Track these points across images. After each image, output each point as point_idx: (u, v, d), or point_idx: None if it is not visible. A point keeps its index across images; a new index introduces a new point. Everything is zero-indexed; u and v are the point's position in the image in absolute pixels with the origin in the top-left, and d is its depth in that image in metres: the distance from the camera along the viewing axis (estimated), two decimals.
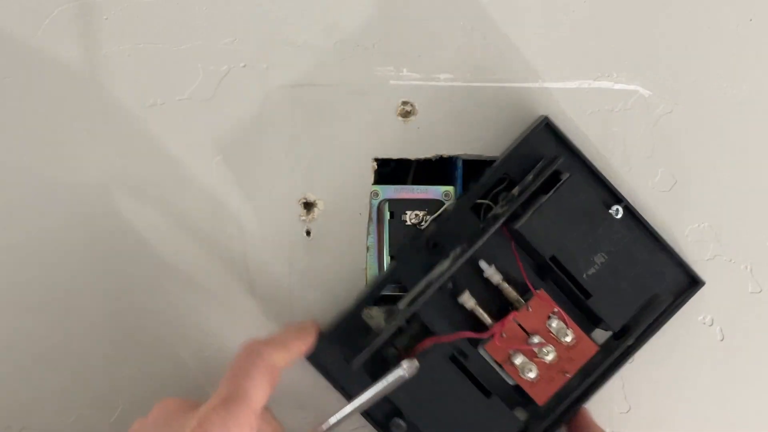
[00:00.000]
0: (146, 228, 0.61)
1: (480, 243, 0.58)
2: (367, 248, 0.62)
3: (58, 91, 0.61)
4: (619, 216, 0.61)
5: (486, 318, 0.60)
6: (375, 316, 0.60)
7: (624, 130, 0.63)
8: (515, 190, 0.60)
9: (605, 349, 0.61)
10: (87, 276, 0.61)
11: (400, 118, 0.63)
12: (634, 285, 0.59)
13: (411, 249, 0.60)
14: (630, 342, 0.60)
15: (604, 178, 0.61)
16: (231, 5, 0.62)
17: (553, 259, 0.59)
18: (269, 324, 0.62)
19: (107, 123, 0.61)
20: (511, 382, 0.61)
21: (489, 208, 0.61)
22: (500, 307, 0.61)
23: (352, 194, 0.62)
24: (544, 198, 0.59)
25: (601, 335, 0.62)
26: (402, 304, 0.59)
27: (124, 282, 0.61)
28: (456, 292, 0.60)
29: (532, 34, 0.63)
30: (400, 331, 0.61)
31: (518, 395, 0.61)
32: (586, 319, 0.61)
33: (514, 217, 0.59)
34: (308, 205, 0.62)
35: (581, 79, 0.63)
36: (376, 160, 0.63)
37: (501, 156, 0.61)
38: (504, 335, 0.59)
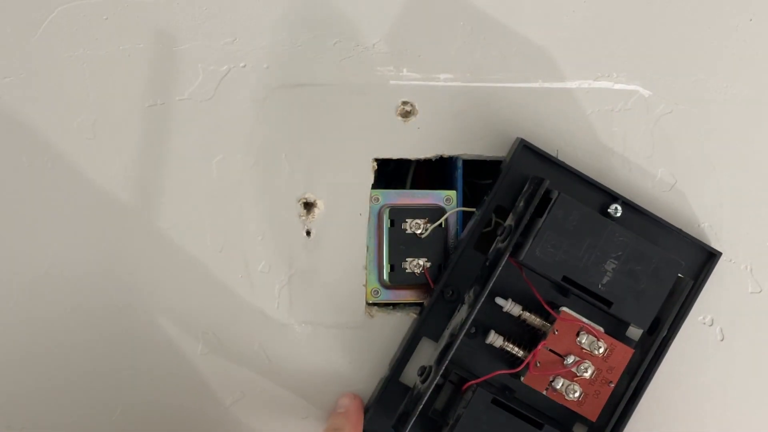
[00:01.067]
0: (144, 228, 0.61)
1: (490, 285, 0.57)
2: (367, 248, 0.62)
3: (58, 91, 0.61)
4: (619, 214, 0.61)
5: (518, 351, 0.59)
6: None
7: (624, 130, 0.63)
8: (510, 220, 0.59)
9: (642, 346, 0.61)
10: (86, 274, 0.61)
11: (400, 118, 0.63)
12: (651, 280, 0.58)
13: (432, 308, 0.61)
14: (664, 333, 0.60)
15: (594, 181, 0.61)
16: (231, 5, 0.62)
17: (565, 278, 0.58)
18: (269, 323, 0.62)
19: (107, 123, 0.61)
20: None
21: (492, 237, 0.61)
22: (530, 335, 0.61)
23: (352, 194, 0.62)
24: (540, 222, 0.58)
25: (636, 331, 0.61)
26: (432, 362, 0.59)
27: (124, 280, 0.61)
28: (482, 334, 0.60)
29: (532, 34, 0.63)
30: (438, 385, 0.60)
31: (571, 414, 0.60)
32: (616, 322, 0.61)
33: (517, 246, 0.58)
34: (308, 205, 0.62)
35: (581, 79, 0.63)
36: (376, 160, 0.63)
37: (490, 194, 0.61)
38: (538, 364, 0.59)
